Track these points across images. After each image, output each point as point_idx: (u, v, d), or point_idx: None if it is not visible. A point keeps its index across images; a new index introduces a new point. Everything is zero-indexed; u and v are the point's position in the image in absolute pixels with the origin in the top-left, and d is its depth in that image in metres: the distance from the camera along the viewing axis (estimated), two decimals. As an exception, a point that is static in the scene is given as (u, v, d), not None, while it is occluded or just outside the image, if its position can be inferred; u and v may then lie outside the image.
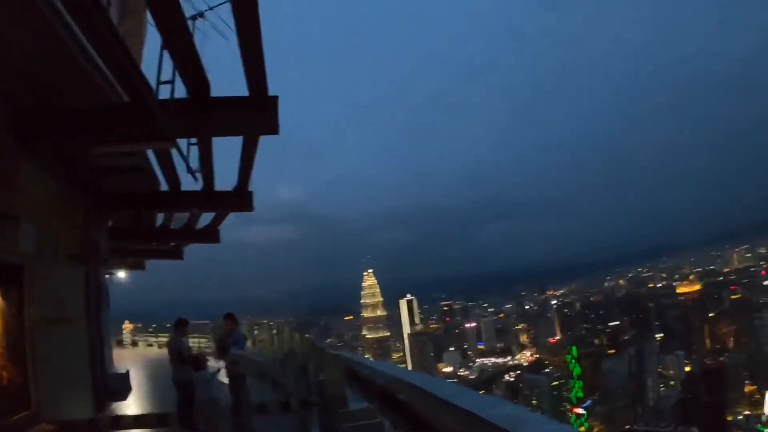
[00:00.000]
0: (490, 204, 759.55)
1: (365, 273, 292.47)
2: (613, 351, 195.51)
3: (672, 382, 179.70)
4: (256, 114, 9.64)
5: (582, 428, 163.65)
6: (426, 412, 7.18)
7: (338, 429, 7.95)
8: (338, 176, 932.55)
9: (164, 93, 9.13)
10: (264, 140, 11.73)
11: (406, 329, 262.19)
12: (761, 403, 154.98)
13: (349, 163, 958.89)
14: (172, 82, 8.97)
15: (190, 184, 15.04)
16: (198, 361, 13.36)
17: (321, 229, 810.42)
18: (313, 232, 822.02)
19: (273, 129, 9.71)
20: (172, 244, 28.09)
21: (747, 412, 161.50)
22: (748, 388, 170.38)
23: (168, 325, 34.45)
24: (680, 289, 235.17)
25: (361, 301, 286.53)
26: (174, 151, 12.06)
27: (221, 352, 15.26)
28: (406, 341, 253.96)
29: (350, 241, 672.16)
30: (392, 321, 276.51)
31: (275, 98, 9.47)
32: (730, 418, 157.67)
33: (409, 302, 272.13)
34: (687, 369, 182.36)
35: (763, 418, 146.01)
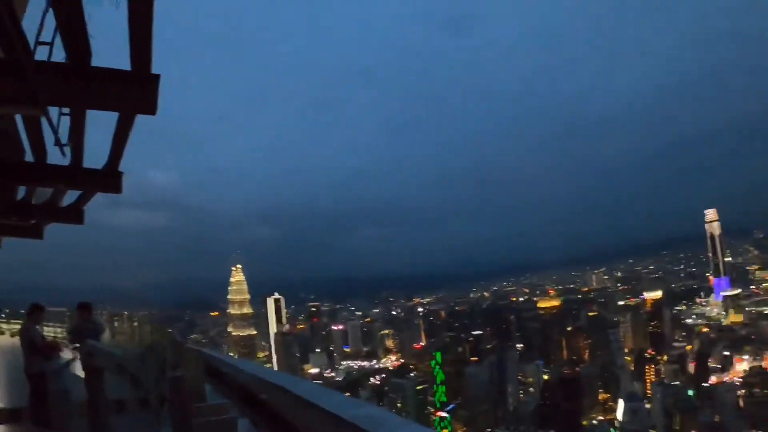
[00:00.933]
0: (363, 210, 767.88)
1: (234, 268, 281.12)
2: (475, 359, 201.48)
3: (531, 389, 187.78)
4: (135, 90, 8.82)
5: (445, 431, 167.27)
6: (287, 412, 7.29)
7: (191, 425, 7.47)
8: (216, 167, 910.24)
9: (41, 55, 8.11)
10: (141, 120, 10.65)
11: (273, 328, 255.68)
12: (614, 410, 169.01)
13: (228, 155, 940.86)
14: (51, 44, 7.98)
15: (57, 158, 13.53)
16: (48, 350, 12.70)
17: (193, 220, 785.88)
18: (184, 223, 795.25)
19: (151, 108, 8.87)
20: (33, 221, 25.47)
21: (601, 418, 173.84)
22: (602, 396, 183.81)
23: (22, 311, 32.02)
24: (541, 304, 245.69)
25: (229, 297, 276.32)
26: (44, 120, 10.77)
27: (74, 343, 14.30)
28: (272, 340, 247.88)
29: (221, 235, 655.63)
30: (259, 319, 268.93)
31: (157, 77, 8.68)
32: (585, 423, 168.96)
33: (277, 301, 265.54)
34: (545, 377, 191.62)
35: (616, 423, 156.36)
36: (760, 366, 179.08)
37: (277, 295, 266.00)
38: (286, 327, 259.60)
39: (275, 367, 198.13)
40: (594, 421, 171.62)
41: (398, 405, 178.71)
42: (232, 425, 8.00)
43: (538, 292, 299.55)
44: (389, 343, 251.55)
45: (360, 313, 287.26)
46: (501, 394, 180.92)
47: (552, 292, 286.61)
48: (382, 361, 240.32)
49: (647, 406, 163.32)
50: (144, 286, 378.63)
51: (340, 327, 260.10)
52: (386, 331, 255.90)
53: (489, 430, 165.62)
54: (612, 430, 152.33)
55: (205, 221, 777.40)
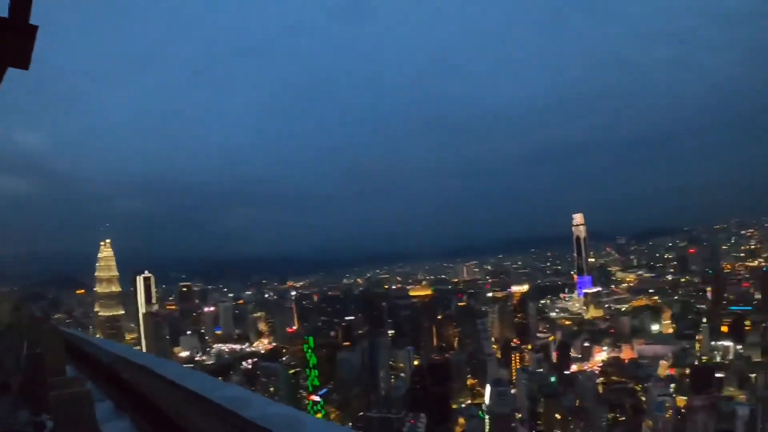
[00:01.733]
0: (239, 188, 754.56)
1: (102, 243, 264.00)
2: (348, 343, 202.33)
3: (402, 374, 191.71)
4: (8, 40, 8.35)
5: (319, 414, 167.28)
6: (153, 394, 7.27)
7: (47, 402, 7.37)
8: (90, 128, 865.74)
9: None
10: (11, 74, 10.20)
11: (142, 308, 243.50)
12: (482, 394, 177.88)
13: (104, 117, 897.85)
14: None
15: None
16: None
17: (59, 187, 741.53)
18: (49, 190, 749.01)
19: (24, 62, 8.43)
20: None
21: (469, 402, 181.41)
22: (470, 382, 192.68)
23: None
24: (413, 293, 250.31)
25: (96, 274, 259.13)
26: None
27: None
28: (142, 321, 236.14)
29: (90, 206, 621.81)
30: (127, 298, 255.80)
31: (34, 28, 8.21)
32: (454, 406, 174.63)
33: (147, 280, 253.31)
34: (416, 363, 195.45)
35: (484, 407, 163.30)
36: (617, 356, 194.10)
37: (147, 274, 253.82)
38: (156, 307, 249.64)
39: (144, 350, 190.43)
40: (463, 405, 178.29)
41: (271, 389, 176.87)
42: (87, 398, 7.94)
43: (410, 281, 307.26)
44: (262, 326, 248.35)
45: (232, 295, 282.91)
46: (373, 378, 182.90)
47: (424, 282, 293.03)
48: (255, 344, 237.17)
49: (513, 391, 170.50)
50: (3, 260, 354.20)
51: (212, 309, 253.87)
52: (259, 314, 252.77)
53: (362, 413, 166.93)
54: (480, 413, 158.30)
55: (73, 189, 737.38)
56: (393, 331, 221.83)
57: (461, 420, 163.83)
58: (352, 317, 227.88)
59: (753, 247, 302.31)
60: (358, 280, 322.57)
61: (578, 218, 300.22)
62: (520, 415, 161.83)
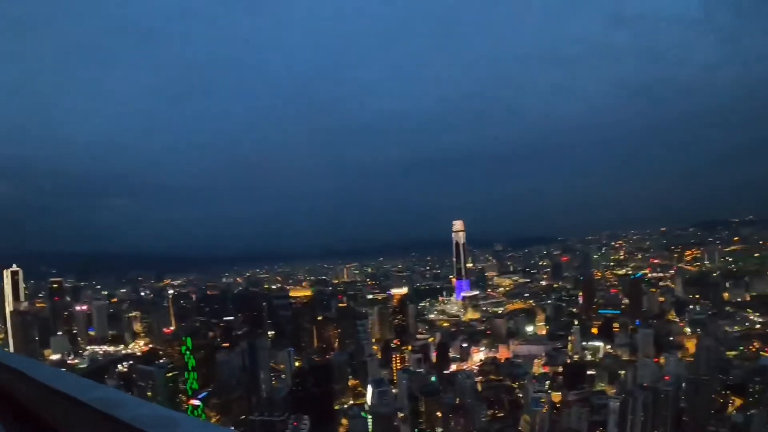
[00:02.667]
0: (118, 178, 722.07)
1: None
2: (227, 344, 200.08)
3: (283, 376, 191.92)
4: None
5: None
6: (23, 396, 7.06)
7: None
8: None
9: None
10: None
11: (9, 306, 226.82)
12: (363, 395, 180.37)
13: None
14: None
15: None
16: None
17: None
18: None
19: None
20: None
21: (351, 402, 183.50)
22: (351, 382, 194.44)
23: None
24: (294, 293, 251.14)
25: None
26: None
27: None
28: (8, 320, 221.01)
29: None
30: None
31: None
32: (337, 407, 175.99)
33: (14, 274, 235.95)
34: (297, 364, 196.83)
35: (366, 407, 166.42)
36: (494, 356, 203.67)
37: (14, 267, 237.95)
38: (25, 305, 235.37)
39: (12, 351, 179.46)
40: (345, 406, 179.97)
41: (148, 394, 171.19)
42: None
43: (291, 281, 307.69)
44: (137, 326, 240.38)
45: (106, 293, 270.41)
46: (254, 380, 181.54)
47: (305, 283, 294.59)
48: (130, 346, 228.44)
49: (394, 390, 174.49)
50: None
51: (84, 308, 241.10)
52: (134, 314, 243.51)
53: (243, 416, 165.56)
54: (363, 413, 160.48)
55: None
56: (273, 332, 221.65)
57: (344, 421, 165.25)
58: (232, 317, 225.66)
59: (621, 257, 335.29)
60: (238, 279, 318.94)
61: (458, 224, 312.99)
62: (402, 414, 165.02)
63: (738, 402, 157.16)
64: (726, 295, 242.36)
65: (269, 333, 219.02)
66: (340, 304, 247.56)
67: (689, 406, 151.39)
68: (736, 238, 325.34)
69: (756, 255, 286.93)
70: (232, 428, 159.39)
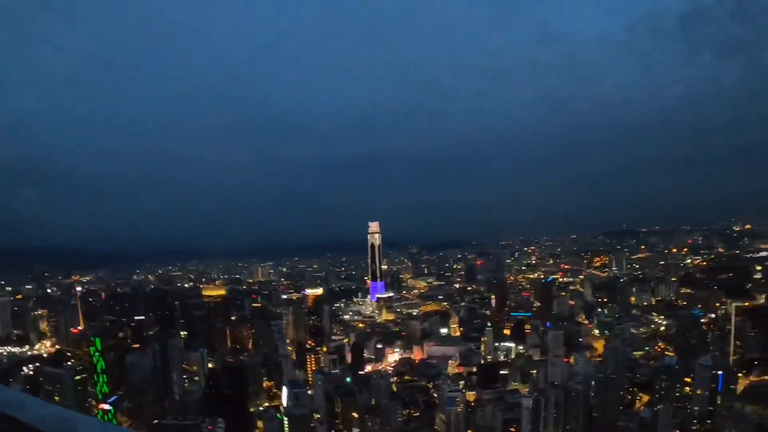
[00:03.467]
0: (25, 165, 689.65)
1: None
2: (138, 345, 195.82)
3: (197, 378, 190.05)
4: None
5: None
6: None
7: None
8: None
9: None
10: None
11: None
12: (279, 396, 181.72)
13: None
14: None
15: None
16: None
17: None
18: None
19: None
20: None
21: (267, 404, 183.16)
22: (266, 384, 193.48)
23: None
24: (207, 292, 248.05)
25: None
26: None
27: None
28: None
29: None
30: None
31: None
32: (252, 410, 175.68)
33: None
34: (210, 365, 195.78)
35: (282, 408, 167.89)
36: (409, 357, 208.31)
37: None
38: None
39: None
40: (260, 408, 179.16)
41: (56, 398, 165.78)
42: None
43: (204, 279, 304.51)
44: (44, 326, 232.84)
45: (10, 289, 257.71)
46: (166, 382, 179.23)
47: (218, 281, 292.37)
48: (36, 347, 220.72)
49: (310, 392, 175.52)
50: None
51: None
52: (40, 312, 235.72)
53: (156, 420, 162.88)
54: (278, 415, 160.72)
55: None
56: (186, 332, 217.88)
57: (260, 423, 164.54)
58: (143, 317, 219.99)
59: (533, 261, 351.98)
60: (150, 276, 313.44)
61: (374, 226, 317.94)
62: (318, 416, 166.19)
63: (645, 398, 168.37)
64: (633, 299, 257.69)
65: (182, 333, 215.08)
66: (255, 304, 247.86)
67: (599, 402, 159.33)
68: (643, 247, 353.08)
69: (661, 263, 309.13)
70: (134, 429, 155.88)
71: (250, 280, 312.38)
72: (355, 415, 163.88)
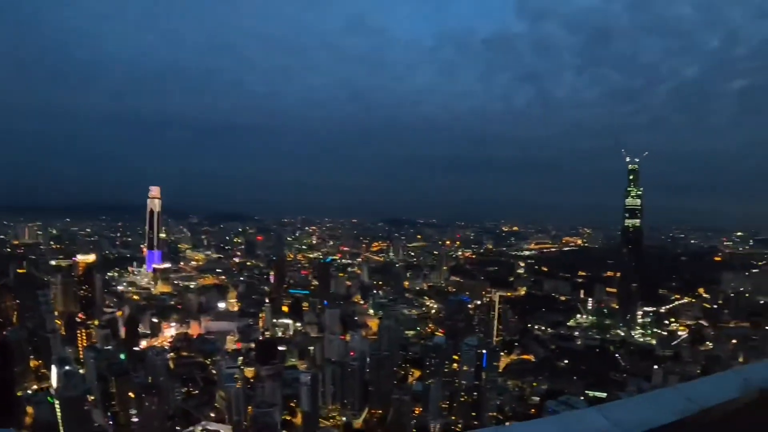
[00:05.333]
0: None
1: None
2: None
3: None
4: None
5: None
6: None
7: None
8: None
9: None
10: None
11: None
12: (48, 377, 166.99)
13: None
14: None
15: None
16: None
17: None
18: None
19: None
20: None
21: (35, 387, 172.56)
22: (33, 363, 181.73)
23: None
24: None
25: None
26: None
27: None
28: None
29: None
30: None
31: None
32: (20, 394, 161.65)
33: None
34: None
35: (52, 391, 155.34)
36: (186, 332, 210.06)
37: None
38: None
39: None
40: (29, 391, 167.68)
41: None
42: None
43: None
44: None
45: None
46: None
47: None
48: None
49: (81, 371, 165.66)
50: None
51: None
52: None
53: None
54: (49, 398, 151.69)
55: None
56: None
57: (29, 409, 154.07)
58: None
59: (314, 241, 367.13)
60: None
61: (155, 191, 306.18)
62: (92, 397, 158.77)
63: (417, 374, 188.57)
64: (407, 283, 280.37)
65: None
66: (20, 270, 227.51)
67: (374, 377, 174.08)
68: (419, 236, 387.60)
69: (435, 252, 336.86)
70: None
71: (17, 242, 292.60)
72: (132, 394, 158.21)
